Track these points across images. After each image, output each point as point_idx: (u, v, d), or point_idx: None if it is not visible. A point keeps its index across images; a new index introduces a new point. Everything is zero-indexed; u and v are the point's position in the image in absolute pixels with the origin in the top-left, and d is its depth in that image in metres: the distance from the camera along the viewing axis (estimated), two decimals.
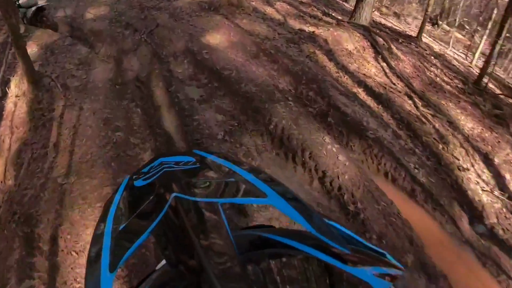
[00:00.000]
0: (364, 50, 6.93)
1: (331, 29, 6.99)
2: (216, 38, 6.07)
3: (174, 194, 0.38)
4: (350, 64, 6.36)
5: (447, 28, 15.44)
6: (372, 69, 6.49)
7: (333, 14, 8.52)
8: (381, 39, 7.27)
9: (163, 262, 0.51)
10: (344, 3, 11.19)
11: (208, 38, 6.06)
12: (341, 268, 0.34)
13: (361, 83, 5.84)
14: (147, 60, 5.47)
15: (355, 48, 6.88)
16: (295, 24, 7.37)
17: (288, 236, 0.40)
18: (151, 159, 0.59)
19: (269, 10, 7.77)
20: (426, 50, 7.95)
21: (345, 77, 5.94)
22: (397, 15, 15.21)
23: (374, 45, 7.07)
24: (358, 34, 7.06)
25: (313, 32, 6.79)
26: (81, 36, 6.67)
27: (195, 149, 0.59)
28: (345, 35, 6.85)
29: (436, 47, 9.61)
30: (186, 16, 6.88)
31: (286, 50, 6.04)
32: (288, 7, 8.47)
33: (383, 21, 10.34)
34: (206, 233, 0.34)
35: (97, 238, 0.39)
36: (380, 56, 6.85)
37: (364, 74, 6.26)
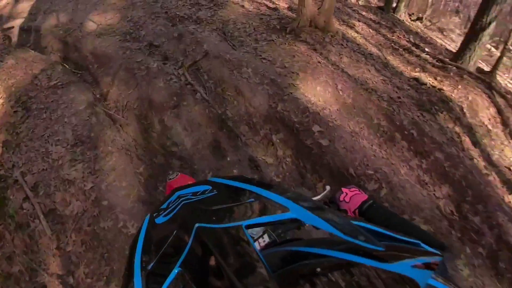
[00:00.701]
0: (496, 122, 4.70)
1: (459, 86, 4.60)
2: (317, 93, 3.54)
3: (197, 225, 0.38)
4: (492, 152, 4.04)
5: None
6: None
7: (426, 49, 6.20)
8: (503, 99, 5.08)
9: None
10: (410, 22, 8.80)
11: (303, 90, 3.49)
12: (378, 267, 0.33)
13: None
14: (201, 132, 3.01)
15: (489, 119, 4.62)
16: (399, 66, 5.01)
17: (318, 246, 0.39)
18: (168, 194, 0.62)
19: (355, 35, 5.35)
20: None
21: (494, 176, 3.71)
22: (440, 30, 12.88)
23: (500, 112, 4.79)
24: (484, 95, 4.75)
25: (439, 89, 4.42)
26: (79, 62, 4.34)
27: (210, 178, 0.63)
28: (479, 99, 4.54)
29: None
30: (248, 38, 4.35)
31: (423, 124, 3.61)
32: (370, 30, 6.04)
33: (430, 35, 7.97)
34: (235, 258, 0.33)
35: (127, 282, 0.39)
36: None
37: (509, 169, 3.96)
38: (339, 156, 2.97)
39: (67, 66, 4.35)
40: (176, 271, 0.36)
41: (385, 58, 5.22)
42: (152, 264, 0.40)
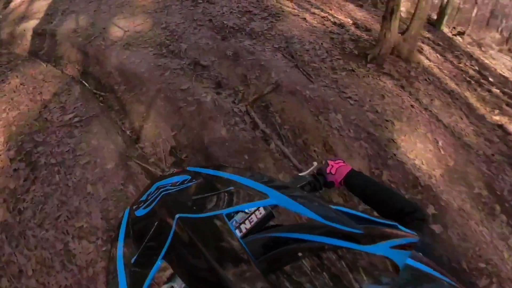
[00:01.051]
0: None
1: None
2: (418, 151, 2.70)
3: (177, 216, 0.37)
4: None
5: None
6: None
7: (490, 78, 5.16)
8: None
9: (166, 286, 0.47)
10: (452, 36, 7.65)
11: (404, 148, 2.64)
12: (357, 249, 0.33)
13: None
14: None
15: None
16: (479, 107, 3.98)
17: (298, 231, 0.39)
18: (146, 186, 0.59)
19: (429, 64, 4.25)
20: None
21: None
22: (478, 45, 11.67)
23: None
24: None
25: None
26: (102, 79, 3.36)
27: (188, 167, 0.58)
28: None
29: None
30: (323, 65, 3.33)
31: None
32: (437, 56, 4.92)
33: (477, 54, 6.81)
34: (217, 247, 0.33)
35: (111, 278, 0.38)
36: None
37: None
38: (452, 246, 2.20)
39: (87, 85, 3.39)
40: (159, 263, 0.35)
41: (465, 96, 4.19)
42: (135, 258, 0.39)
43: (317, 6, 5.23)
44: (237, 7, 4.41)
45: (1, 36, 4.71)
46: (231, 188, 0.43)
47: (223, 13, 4.15)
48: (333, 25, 4.38)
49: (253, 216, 0.54)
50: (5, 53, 3.28)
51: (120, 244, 0.44)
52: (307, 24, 4.10)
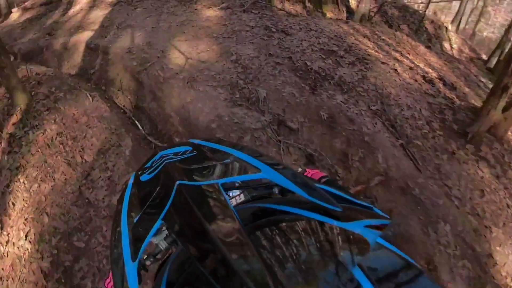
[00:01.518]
0: None
1: None
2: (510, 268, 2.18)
3: (178, 182, 0.40)
4: None
5: None
6: None
7: None
8: None
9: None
10: None
11: (498, 262, 2.18)
12: (335, 225, 0.35)
13: None
14: None
15: None
16: None
17: (284, 204, 0.43)
18: (152, 154, 0.61)
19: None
20: None
21: None
22: None
23: None
24: None
25: None
26: (158, 123, 2.66)
27: (191, 139, 0.62)
28: None
29: None
30: (425, 143, 2.62)
31: None
32: None
33: None
34: (211, 212, 0.35)
35: (115, 233, 0.41)
36: None
37: None
38: None
39: (140, 127, 2.73)
40: (159, 223, 0.38)
41: None
42: (137, 218, 0.41)
43: (395, 47, 4.38)
44: (318, 43, 3.61)
45: (54, 46, 4.28)
46: (228, 160, 0.45)
47: (304, 50, 3.36)
48: (424, 81, 3.50)
49: (233, 200, 0.57)
50: (48, 77, 2.70)
51: (125, 204, 0.46)
52: (400, 78, 3.25)
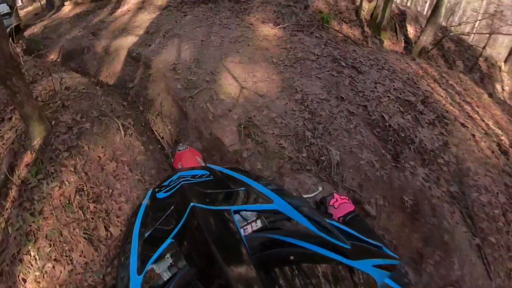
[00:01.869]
0: None
1: None
2: None
3: (192, 204, 0.41)
4: None
5: None
6: None
7: None
8: None
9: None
10: None
11: None
12: (344, 262, 0.34)
13: None
14: None
15: None
16: None
17: (294, 237, 0.41)
18: (171, 174, 0.66)
19: None
20: None
21: None
22: None
23: None
24: None
25: None
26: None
27: (209, 164, 0.65)
28: None
29: None
30: (499, 239, 2.01)
31: None
32: None
33: None
34: (221, 236, 0.35)
35: (125, 245, 0.42)
36: None
37: None
38: None
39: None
40: (169, 241, 0.38)
41: None
42: (148, 233, 0.42)
43: (464, 98, 3.70)
44: (394, 89, 2.94)
45: (96, 48, 3.90)
46: (242, 188, 0.46)
47: (379, 97, 2.70)
48: (500, 153, 2.80)
49: (248, 226, 0.55)
50: (77, 96, 2.24)
51: (139, 218, 0.46)
52: (478, 149, 2.56)
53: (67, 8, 5.34)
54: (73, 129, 1.80)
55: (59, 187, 1.50)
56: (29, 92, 1.53)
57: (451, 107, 3.13)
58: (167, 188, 0.54)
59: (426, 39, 5.19)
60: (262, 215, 0.57)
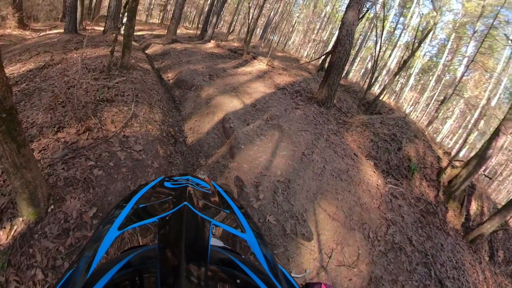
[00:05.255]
0: None
1: None
2: None
3: (185, 203, 0.45)
4: None
5: None
6: None
7: None
8: None
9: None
10: None
11: None
12: None
13: None
14: None
15: None
16: None
17: (248, 266, 0.45)
18: (184, 173, 0.83)
19: None
20: None
21: None
22: None
23: None
24: None
25: None
26: None
27: (213, 181, 0.70)
28: None
29: None
30: None
31: None
32: None
33: None
34: (193, 237, 0.39)
35: (121, 204, 0.47)
36: None
37: None
38: None
39: None
40: (155, 219, 0.42)
41: None
42: (143, 205, 0.47)
43: None
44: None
45: (201, 91, 3.45)
46: (227, 211, 0.51)
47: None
48: None
49: (214, 240, 0.66)
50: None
51: (143, 191, 0.52)
52: None
53: (211, 44, 5.49)
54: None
55: None
56: (37, 167, 0.87)
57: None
58: (175, 182, 0.58)
59: (490, 228, 4.26)
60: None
